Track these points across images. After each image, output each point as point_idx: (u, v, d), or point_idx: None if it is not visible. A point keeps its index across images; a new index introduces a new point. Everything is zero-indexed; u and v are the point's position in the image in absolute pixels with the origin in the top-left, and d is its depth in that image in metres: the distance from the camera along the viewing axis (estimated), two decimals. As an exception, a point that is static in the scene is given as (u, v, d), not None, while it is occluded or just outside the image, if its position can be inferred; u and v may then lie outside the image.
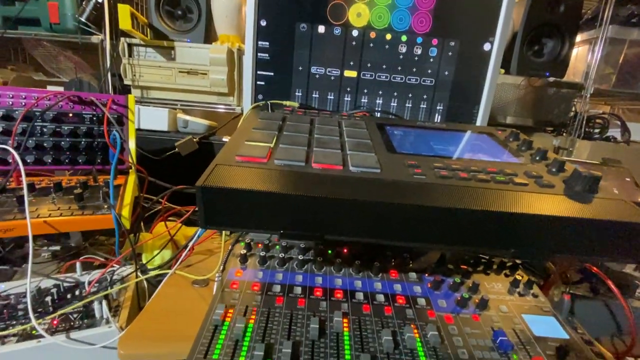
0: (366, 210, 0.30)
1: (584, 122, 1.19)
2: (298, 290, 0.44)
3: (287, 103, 0.57)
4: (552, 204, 0.32)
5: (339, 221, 0.31)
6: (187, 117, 1.02)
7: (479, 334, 0.40)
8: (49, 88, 1.19)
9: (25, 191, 0.52)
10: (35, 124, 0.64)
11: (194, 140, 0.96)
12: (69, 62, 1.27)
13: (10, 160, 0.63)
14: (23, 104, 0.65)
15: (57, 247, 0.70)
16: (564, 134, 1.27)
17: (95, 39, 1.10)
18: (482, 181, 0.34)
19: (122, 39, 1.07)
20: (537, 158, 0.43)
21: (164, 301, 0.49)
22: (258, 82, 0.64)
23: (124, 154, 0.70)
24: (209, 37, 1.15)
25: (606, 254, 0.32)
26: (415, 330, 0.38)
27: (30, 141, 0.64)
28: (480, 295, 0.46)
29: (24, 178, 0.53)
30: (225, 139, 1.00)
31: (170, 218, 0.76)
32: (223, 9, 1.09)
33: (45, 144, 0.65)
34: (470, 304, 0.44)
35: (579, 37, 1.24)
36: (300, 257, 0.49)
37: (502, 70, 1.19)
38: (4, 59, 1.32)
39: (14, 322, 0.49)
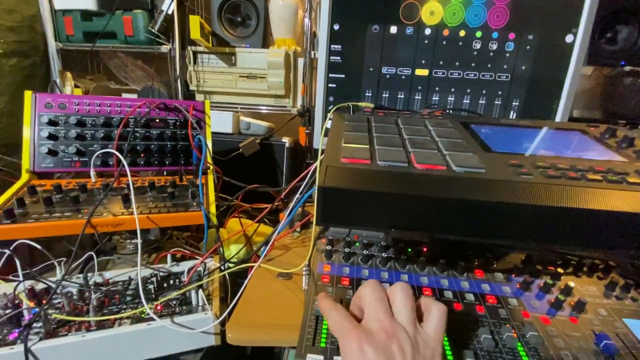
0: (476, 210, 0.31)
1: (666, 114, 1.09)
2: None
3: (363, 104, 0.58)
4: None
5: (449, 221, 0.32)
6: (249, 120, 1.07)
7: (580, 337, 0.39)
8: (124, 95, 1.30)
9: (131, 191, 0.58)
10: (129, 129, 0.71)
11: (257, 141, 1.01)
12: (138, 71, 1.38)
13: (111, 163, 0.71)
14: (119, 111, 0.73)
15: (139, 241, 0.78)
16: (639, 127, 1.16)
17: (164, 48, 1.19)
18: (594, 181, 0.33)
19: (189, 47, 1.14)
20: (644, 155, 0.41)
21: (256, 291, 0.53)
22: (329, 85, 0.66)
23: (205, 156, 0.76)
24: (266, 41, 1.20)
25: None
26: (514, 331, 0.38)
27: (125, 145, 0.71)
28: (576, 297, 0.44)
29: (129, 178, 0.59)
30: (284, 139, 1.04)
31: (239, 215, 0.81)
32: (280, 13, 1.13)
33: (138, 147, 0.72)
34: (566, 306, 0.43)
35: (660, 21, 1.12)
36: (383, 254, 0.50)
37: (570, 61, 1.12)
38: (83, 69, 1.47)
39: (124, 307, 0.56)
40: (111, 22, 1.20)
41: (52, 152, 0.68)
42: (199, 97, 1.22)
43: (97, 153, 0.67)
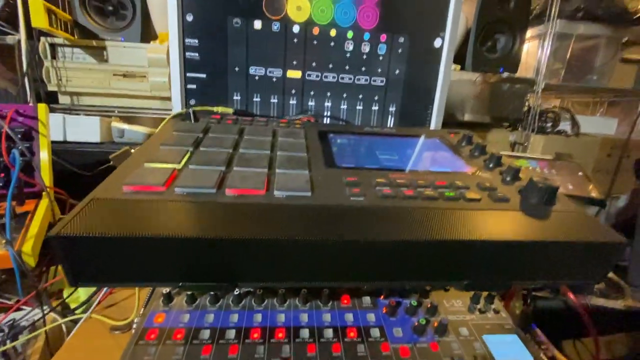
0: (287, 251, 0.24)
1: (537, 117, 1.22)
2: (231, 334, 0.37)
3: (219, 109, 0.50)
4: (508, 225, 0.27)
5: (256, 265, 0.25)
6: (123, 126, 0.91)
7: (438, 367, 0.35)
8: (-42, 96, 1.02)
9: None
10: None
11: (132, 151, 0.86)
12: (-17, 66, 1.10)
13: None
14: None
15: None
16: (519, 129, 1.29)
17: (10, 39, 0.96)
18: (429, 199, 0.29)
19: (43, 38, 0.93)
20: (491, 165, 0.39)
21: (75, 355, 0.40)
22: (188, 86, 0.56)
23: (35, 175, 0.60)
24: (147, 35, 1.04)
25: (567, 277, 0.28)
26: (366, 373, 0.33)
27: None
28: (440, 317, 0.42)
29: None
30: (169, 148, 0.91)
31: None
32: (161, 4, 0.98)
33: None
34: (429, 330, 0.40)
35: (529, 33, 1.25)
36: (238, 290, 0.42)
37: (458, 67, 1.19)
38: None
39: None
40: None
41: None
42: (64, 99, 1.01)
43: None
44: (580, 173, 0.82)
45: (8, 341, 0.44)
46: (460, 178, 0.34)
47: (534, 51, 1.29)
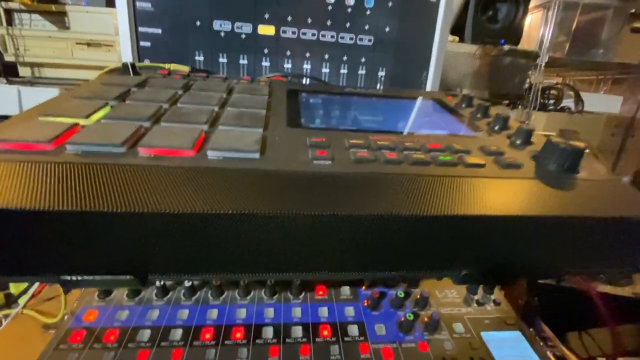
0: (218, 230, 0.17)
1: (539, 93, 1.14)
2: (177, 334, 0.30)
3: (170, 66, 0.42)
4: (520, 196, 0.20)
5: (170, 251, 0.17)
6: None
7: (427, 374, 0.29)
8: None
9: None
10: None
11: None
12: None
13: None
14: None
15: None
16: (520, 106, 1.21)
17: (-43, 1, 0.85)
18: (418, 164, 0.22)
19: (-6, 1, 0.83)
20: (496, 128, 0.32)
21: (8, 351, 0.34)
22: (141, 43, 0.47)
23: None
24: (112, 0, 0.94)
25: (598, 264, 0.21)
26: (339, 382, 0.27)
27: None
28: (430, 311, 0.35)
29: None
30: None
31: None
32: (127, -37, 0.88)
33: None
34: (417, 327, 0.33)
35: (532, 2, 1.16)
36: (192, 281, 0.35)
37: (456, 39, 1.10)
38: None
39: None
40: None
41: None
42: (24, 71, 0.92)
43: None
44: (587, 150, 0.75)
45: None
46: (458, 141, 0.27)
47: (537, 23, 1.20)
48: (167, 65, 0.42)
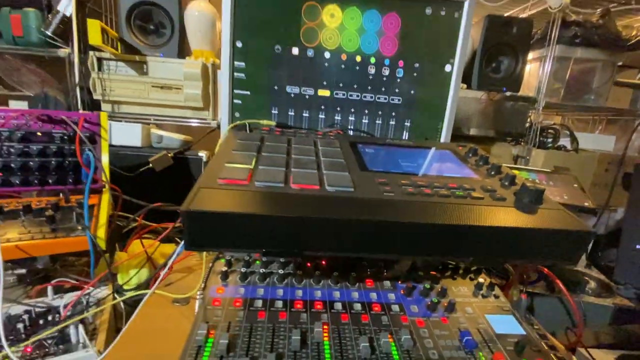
0: (341, 227, 0.33)
1: (538, 132, 1.30)
2: (279, 304, 0.45)
3: (265, 122, 0.59)
4: (504, 216, 0.36)
5: (317, 238, 0.33)
6: (161, 132, 1.01)
7: (448, 335, 0.43)
8: (12, 103, 1.14)
9: (-7, 215, 0.50)
10: (2, 144, 0.62)
11: (169, 155, 0.96)
12: (32, 76, 1.22)
13: (-26, 183, 0.60)
14: (-13, 123, 0.63)
15: (23, 271, 0.67)
16: (522, 143, 1.37)
17: (62, 52, 1.07)
18: (443, 196, 0.38)
19: (91, 52, 1.05)
20: (492, 173, 0.48)
21: (144, 322, 0.49)
22: (235, 101, 0.66)
23: (97, 173, 0.69)
24: (183, 51, 1.15)
25: (550, 257, 0.36)
26: (390, 336, 0.41)
27: (-5, 162, 0.61)
28: (449, 299, 0.50)
29: (-8, 201, 0.51)
30: (201, 153, 1.00)
31: (145, 236, 0.75)
32: (196, 24, 1.10)
33: (12, 165, 0.63)
34: (440, 308, 0.48)
35: (530, 55, 1.35)
36: (281, 271, 0.51)
37: (464, 86, 1.28)
38: (-41, 71, 1.25)
39: (-18, 352, 0.47)
40: (-5, 19, 1.05)
41: None
42: (106, 107, 1.12)
43: (-49, 172, 0.56)
44: (575, 185, 0.90)
45: (86, 311, 0.53)
46: (467, 182, 0.43)
47: (536, 71, 1.39)
48: (263, 121, 0.59)
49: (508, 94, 1.26)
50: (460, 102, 1.26)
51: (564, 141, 1.39)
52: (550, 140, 1.34)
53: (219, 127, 1.12)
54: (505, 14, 1.53)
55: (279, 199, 0.34)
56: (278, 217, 0.32)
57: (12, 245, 0.52)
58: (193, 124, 1.14)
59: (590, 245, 1.16)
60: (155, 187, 0.86)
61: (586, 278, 0.78)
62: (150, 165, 0.93)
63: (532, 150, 1.30)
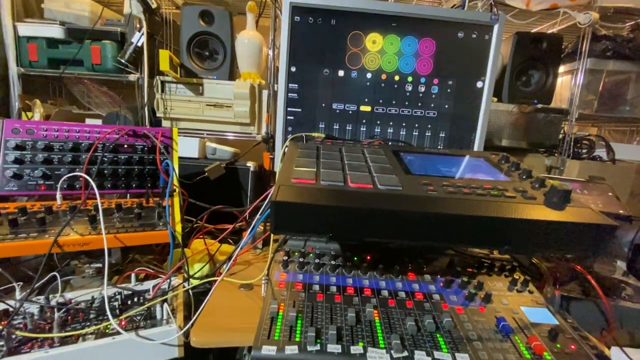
0: (393, 218, 0.41)
1: (572, 144, 1.31)
2: (334, 289, 0.53)
3: (315, 134, 0.68)
4: (534, 211, 0.42)
5: (374, 227, 0.41)
6: (215, 145, 1.14)
7: (485, 321, 0.49)
8: (87, 121, 1.31)
9: (100, 211, 0.62)
10: (97, 154, 0.75)
11: (222, 165, 1.07)
12: (102, 97, 1.41)
13: (78, 186, 0.74)
14: (87, 137, 0.77)
15: (99, 265, 0.79)
16: (556, 154, 1.38)
17: (132, 77, 1.24)
18: (480, 195, 0.45)
19: (157, 77, 1.20)
20: (524, 177, 0.53)
21: (219, 301, 0.58)
22: (288, 117, 0.76)
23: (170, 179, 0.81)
24: (233, 74, 1.29)
25: (576, 248, 0.41)
26: (433, 319, 0.47)
27: (93, 169, 0.75)
28: (485, 291, 0.55)
29: (99, 200, 0.63)
30: (249, 164, 1.12)
31: (203, 236, 0.86)
32: (246, 50, 1.23)
33: (105, 171, 0.76)
34: (477, 299, 0.53)
35: (562, 68, 1.38)
36: (332, 262, 0.58)
37: (495, 99, 1.33)
38: (44, 94, 1.46)
39: (88, 324, 0.58)
40: (78, 49, 1.24)
41: (16, 176, 0.70)
42: (166, 124, 1.27)
43: (65, 176, 0.70)
44: (610, 193, 0.91)
45: (168, 294, 0.63)
46: (501, 184, 0.49)
47: (568, 84, 1.40)
48: (314, 134, 0.68)
49: (540, 106, 1.29)
50: (492, 114, 1.30)
51: (600, 152, 1.38)
52: (585, 151, 1.34)
53: (263, 140, 1.24)
54: (535, 30, 1.56)
55: (341, 194, 0.42)
56: (341, 207, 0.40)
57: (112, 236, 0.63)
58: (240, 138, 1.26)
59: (630, 254, 1.14)
60: (209, 193, 0.98)
61: (623, 285, 0.79)
62: (206, 174, 1.05)
63: (566, 161, 1.31)
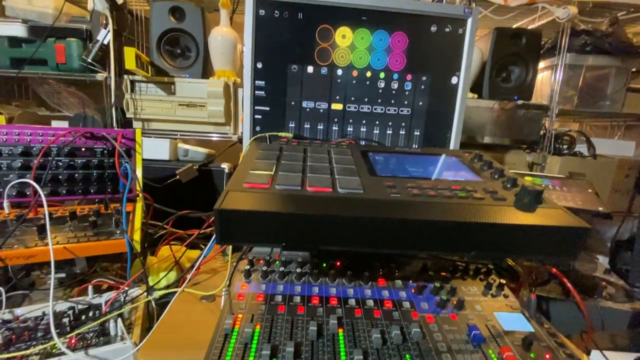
0: (352, 224, 0.37)
1: (553, 140, 1.30)
2: (297, 299, 0.49)
3: (282, 134, 0.64)
4: (501, 214, 0.39)
5: (330, 234, 0.38)
6: (187, 147, 1.09)
7: (456, 330, 0.46)
8: (54, 123, 1.25)
9: (47, 220, 0.57)
10: (50, 158, 0.70)
11: (194, 167, 1.03)
12: (71, 98, 1.34)
13: (28, 193, 0.68)
14: (40, 140, 0.71)
15: (63, 275, 0.74)
16: (537, 150, 1.37)
17: (99, 76, 1.18)
18: (446, 197, 0.42)
19: (126, 76, 1.15)
20: (496, 176, 0.51)
21: (176, 315, 0.54)
22: (255, 116, 0.72)
23: (132, 183, 0.76)
24: (206, 72, 1.24)
25: (548, 253, 0.39)
26: (400, 329, 0.44)
27: (45, 174, 0.69)
28: (458, 297, 0.52)
29: (45, 209, 0.58)
30: (224, 165, 1.07)
31: (172, 242, 0.81)
32: (219, 47, 1.19)
33: (60, 177, 0.71)
34: (449, 305, 0.51)
35: (542, 64, 1.37)
36: (298, 270, 0.55)
37: (475, 95, 1.31)
38: (8, 95, 1.39)
39: (35, 343, 0.53)
40: (42, 49, 1.18)
41: (-42, 184, 0.65)
42: (137, 125, 1.22)
43: (11, 183, 0.64)
44: (590, 190, 0.90)
45: (123, 307, 0.59)
46: (470, 185, 0.46)
47: (548, 80, 1.40)
48: (280, 134, 0.65)
49: (520, 102, 1.28)
50: (472, 111, 1.28)
51: (581, 148, 1.38)
52: (566, 147, 1.34)
53: (239, 141, 1.20)
54: (515, 25, 1.55)
55: (296, 199, 0.39)
56: (295, 214, 0.36)
57: (60, 247, 0.59)
58: (215, 138, 1.22)
59: (612, 250, 1.14)
60: (181, 197, 0.93)
61: (604, 283, 0.77)
62: (177, 177, 1.01)
63: (547, 157, 1.30)
